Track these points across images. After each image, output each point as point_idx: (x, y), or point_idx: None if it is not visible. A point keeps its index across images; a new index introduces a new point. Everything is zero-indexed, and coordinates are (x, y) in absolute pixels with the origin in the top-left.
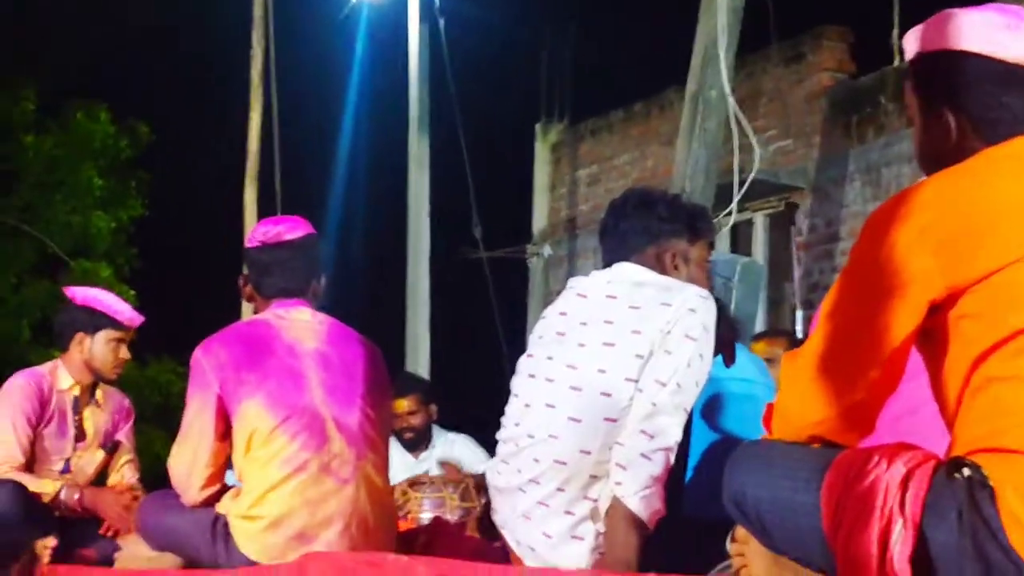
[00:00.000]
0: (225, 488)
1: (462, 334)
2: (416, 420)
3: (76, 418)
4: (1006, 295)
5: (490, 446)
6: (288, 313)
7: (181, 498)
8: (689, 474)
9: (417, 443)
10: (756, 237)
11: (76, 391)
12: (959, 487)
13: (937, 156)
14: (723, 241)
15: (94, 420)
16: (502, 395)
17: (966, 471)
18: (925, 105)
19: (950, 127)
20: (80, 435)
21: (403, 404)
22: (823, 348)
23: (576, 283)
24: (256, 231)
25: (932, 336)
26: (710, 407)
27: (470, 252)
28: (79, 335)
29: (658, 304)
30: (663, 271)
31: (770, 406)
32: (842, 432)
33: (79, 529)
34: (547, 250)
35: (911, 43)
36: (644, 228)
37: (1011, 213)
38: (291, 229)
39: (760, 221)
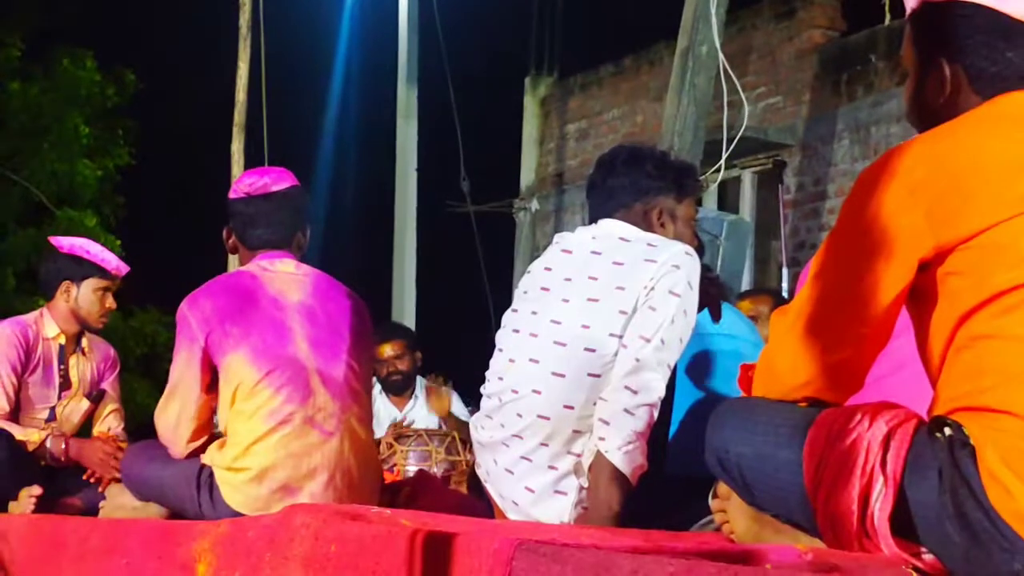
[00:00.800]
0: (212, 439)
1: (449, 287)
2: (402, 364)
3: (61, 367)
4: (993, 254)
5: (475, 399)
6: (273, 265)
7: (169, 451)
8: (672, 430)
9: (403, 387)
10: (744, 194)
11: (61, 340)
12: (940, 446)
13: (930, 109)
14: (711, 198)
15: (79, 369)
16: (488, 348)
17: (947, 430)
18: (923, 56)
19: (946, 79)
20: (65, 384)
21: (388, 349)
22: (812, 306)
23: (561, 239)
24: (241, 182)
25: (920, 293)
26: (695, 363)
27: (457, 205)
28: (65, 283)
29: (642, 260)
30: (649, 228)
31: (744, 367)
32: (830, 390)
33: (64, 478)
34: (534, 204)
35: None
36: (632, 184)
37: (1000, 172)
38: (276, 180)
39: (748, 178)
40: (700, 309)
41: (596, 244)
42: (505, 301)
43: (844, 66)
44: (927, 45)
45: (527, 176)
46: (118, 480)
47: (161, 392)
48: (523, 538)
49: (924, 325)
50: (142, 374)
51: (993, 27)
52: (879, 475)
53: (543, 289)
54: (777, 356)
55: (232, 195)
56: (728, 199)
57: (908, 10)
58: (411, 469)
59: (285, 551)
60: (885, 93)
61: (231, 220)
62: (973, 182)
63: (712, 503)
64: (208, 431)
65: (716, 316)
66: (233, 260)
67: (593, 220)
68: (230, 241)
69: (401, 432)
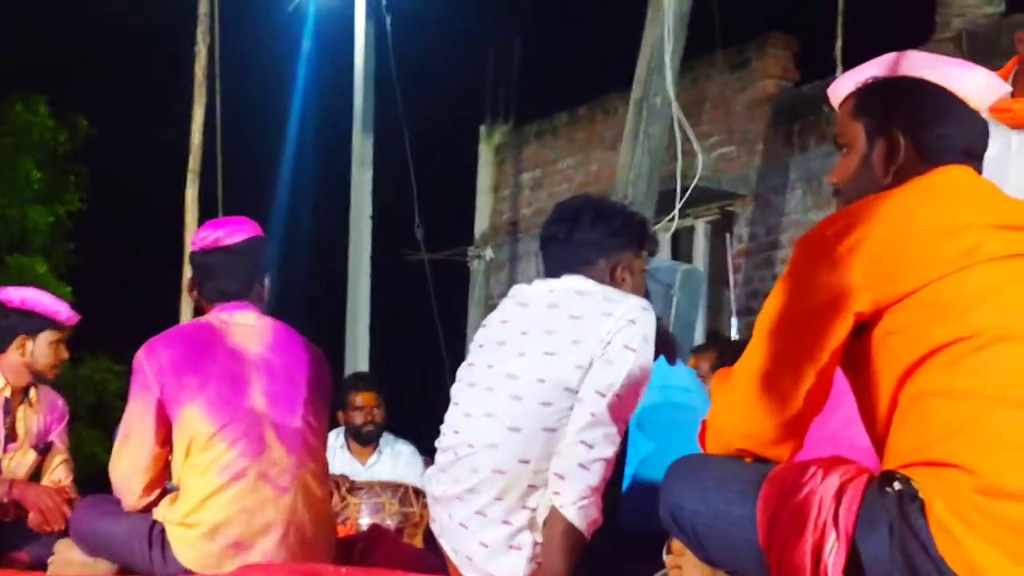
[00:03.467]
0: (163, 493)
1: (402, 335)
2: (379, 415)
3: (7, 419)
4: (930, 310)
5: (427, 450)
6: (232, 316)
7: (122, 502)
8: (626, 484)
9: (374, 438)
10: (697, 244)
11: (7, 392)
12: (891, 500)
13: (875, 181)
14: (664, 247)
15: (27, 421)
16: (441, 397)
17: (897, 484)
18: (873, 127)
19: (899, 148)
20: (11, 436)
21: (368, 398)
22: (757, 365)
23: (517, 291)
24: (198, 235)
25: (859, 359)
26: (647, 416)
27: (411, 253)
28: (20, 338)
29: (599, 314)
30: (613, 283)
31: (704, 423)
32: (771, 447)
33: (11, 532)
34: (489, 253)
35: (853, 78)
36: (599, 241)
37: (934, 234)
38: (231, 233)
39: (701, 227)
40: (655, 357)
41: (553, 297)
42: (459, 349)
43: (797, 116)
44: (879, 116)
45: (481, 224)
46: (62, 532)
47: (111, 441)
48: None
49: (866, 389)
50: (91, 423)
51: (941, 103)
52: (831, 529)
53: (499, 343)
54: (721, 414)
55: (192, 248)
56: (681, 248)
57: (848, 90)
58: (364, 522)
59: None
60: None
61: (193, 273)
62: (908, 243)
63: (666, 559)
64: (162, 483)
65: (672, 358)
66: (186, 308)
67: (553, 274)
68: (193, 294)
69: (354, 485)
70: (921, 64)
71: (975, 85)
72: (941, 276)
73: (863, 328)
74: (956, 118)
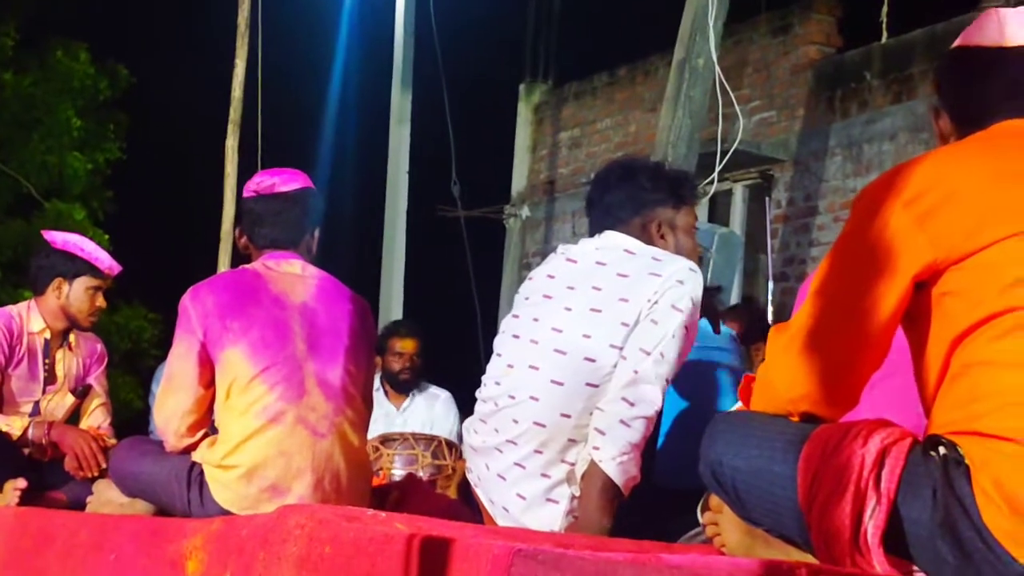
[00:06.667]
0: (206, 435)
1: (436, 291)
2: (419, 362)
3: (46, 361)
4: (988, 275)
5: (459, 405)
6: (278, 265)
7: (165, 443)
8: (661, 442)
9: (411, 386)
10: (735, 207)
11: (47, 334)
12: (935, 465)
13: None
14: (702, 210)
15: (65, 364)
16: (473, 352)
17: (942, 449)
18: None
19: (938, 129)
20: (50, 378)
21: (411, 343)
22: (812, 321)
23: (566, 248)
24: (252, 181)
25: (916, 315)
26: (683, 374)
27: (448, 210)
28: (57, 280)
29: (647, 274)
30: (649, 240)
31: (747, 378)
32: (827, 405)
33: (49, 472)
34: (525, 211)
35: None
36: (629, 199)
37: (996, 193)
38: (286, 181)
39: (740, 191)
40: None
41: (600, 255)
42: (492, 307)
43: (839, 83)
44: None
45: (518, 183)
46: (97, 477)
47: (145, 388)
48: (521, 545)
49: (920, 349)
50: (126, 370)
51: (967, 63)
52: (873, 492)
53: (545, 296)
54: (775, 370)
55: (244, 194)
56: (719, 212)
57: None
58: (397, 473)
59: (278, 551)
60: (879, 111)
61: (243, 219)
62: (970, 201)
63: (703, 516)
64: (205, 425)
65: (716, 327)
66: (223, 256)
67: (594, 235)
68: (241, 241)
69: (388, 436)
70: (968, 30)
71: (993, 26)
72: (1000, 238)
73: (921, 285)
74: (982, 72)
